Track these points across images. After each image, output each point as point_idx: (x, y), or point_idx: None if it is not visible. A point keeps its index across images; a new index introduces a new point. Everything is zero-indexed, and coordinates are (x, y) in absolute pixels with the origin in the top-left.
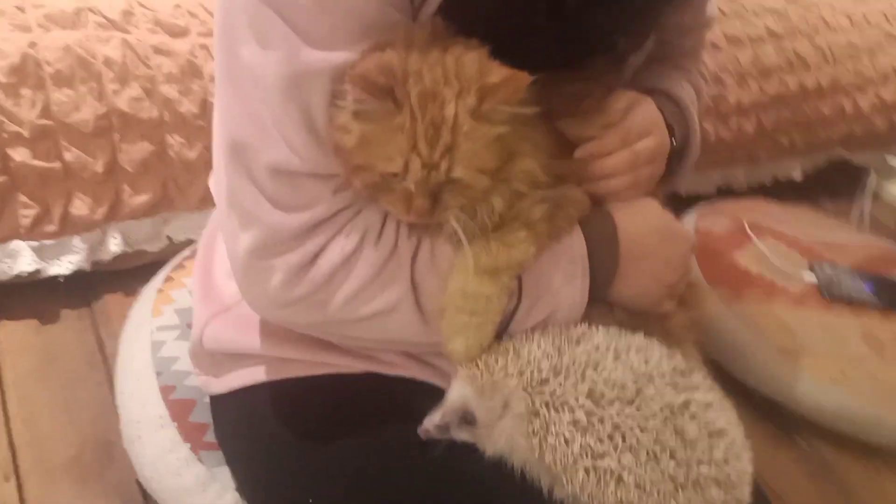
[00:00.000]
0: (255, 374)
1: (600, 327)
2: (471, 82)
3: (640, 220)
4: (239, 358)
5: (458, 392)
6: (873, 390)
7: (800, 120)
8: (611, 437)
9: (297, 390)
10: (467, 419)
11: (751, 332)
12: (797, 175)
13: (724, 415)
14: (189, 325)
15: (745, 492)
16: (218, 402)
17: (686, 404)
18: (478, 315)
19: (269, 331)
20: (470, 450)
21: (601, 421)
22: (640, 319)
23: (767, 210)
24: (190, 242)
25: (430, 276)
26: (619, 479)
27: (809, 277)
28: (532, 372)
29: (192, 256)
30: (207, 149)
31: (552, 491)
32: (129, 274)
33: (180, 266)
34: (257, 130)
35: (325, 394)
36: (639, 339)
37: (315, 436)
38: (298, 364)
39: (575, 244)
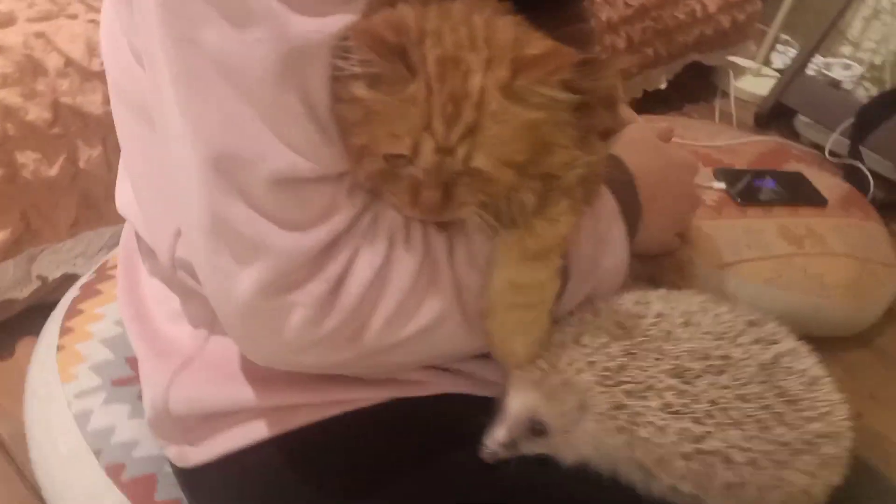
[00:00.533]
0: (250, 432)
1: (649, 291)
2: (504, 51)
3: (646, 154)
4: (222, 417)
5: (520, 401)
6: (806, 283)
7: (660, 28)
8: (710, 415)
9: (311, 440)
10: (537, 429)
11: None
12: (663, 84)
13: (809, 359)
14: (116, 383)
15: (850, 438)
16: (199, 473)
17: (777, 359)
18: (533, 308)
19: (258, 375)
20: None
21: (695, 399)
22: (652, 265)
23: (655, 123)
24: (70, 279)
25: (472, 274)
26: (728, 460)
27: (718, 184)
28: (602, 359)
29: (88, 296)
30: (71, 160)
31: (647, 487)
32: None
33: (75, 311)
34: (246, 136)
35: (347, 437)
36: (690, 296)
37: (348, 490)
38: (305, 409)
39: (606, 202)
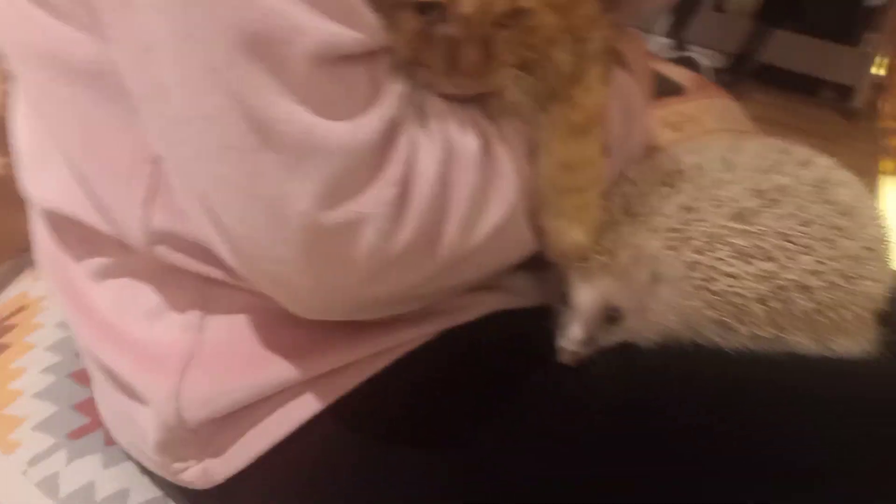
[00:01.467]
0: (291, 416)
1: (674, 148)
2: None
3: None
4: (251, 409)
5: (590, 291)
6: None
7: None
8: (780, 248)
9: (366, 403)
10: (612, 316)
11: None
12: None
13: (845, 171)
14: (73, 435)
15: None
16: (230, 489)
17: (825, 178)
18: (587, 190)
19: (286, 343)
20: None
21: (761, 237)
22: None
23: None
24: None
25: (523, 163)
26: (804, 288)
27: None
28: (662, 222)
29: None
30: None
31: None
32: None
33: None
34: (275, 11)
35: (407, 388)
36: (715, 143)
37: (427, 450)
38: (351, 369)
39: (619, 75)
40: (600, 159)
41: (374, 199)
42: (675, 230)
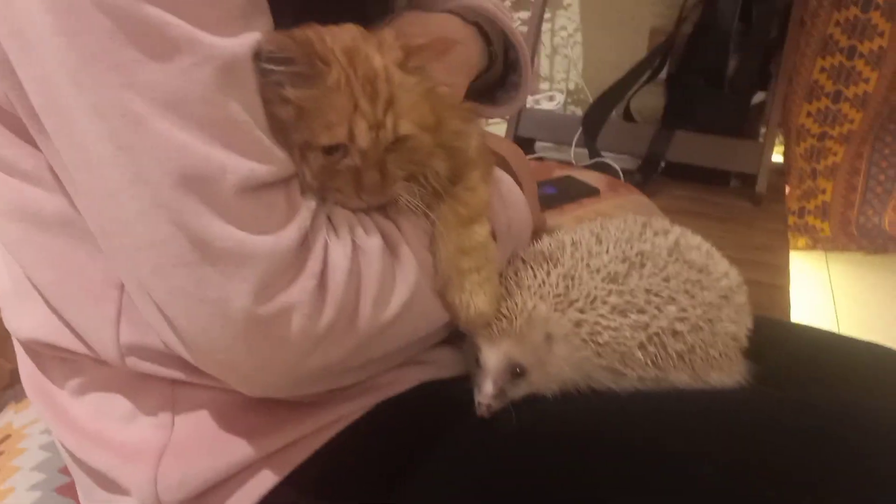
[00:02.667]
0: (256, 487)
1: (546, 235)
2: (390, 41)
3: (501, 142)
4: (221, 486)
5: (495, 352)
6: None
7: None
8: (648, 302)
9: (318, 469)
10: (517, 372)
11: None
12: None
13: (697, 237)
14: None
15: (746, 289)
16: None
17: (676, 241)
18: (483, 268)
19: (245, 427)
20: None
21: (632, 294)
22: None
23: None
24: None
25: (423, 251)
26: (674, 332)
27: None
28: (549, 290)
29: None
30: None
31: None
32: None
33: None
34: (203, 156)
35: (351, 454)
36: (589, 223)
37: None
38: (302, 443)
39: (499, 172)
40: (490, 243)
41: (299, 290)
42: (559, 295)
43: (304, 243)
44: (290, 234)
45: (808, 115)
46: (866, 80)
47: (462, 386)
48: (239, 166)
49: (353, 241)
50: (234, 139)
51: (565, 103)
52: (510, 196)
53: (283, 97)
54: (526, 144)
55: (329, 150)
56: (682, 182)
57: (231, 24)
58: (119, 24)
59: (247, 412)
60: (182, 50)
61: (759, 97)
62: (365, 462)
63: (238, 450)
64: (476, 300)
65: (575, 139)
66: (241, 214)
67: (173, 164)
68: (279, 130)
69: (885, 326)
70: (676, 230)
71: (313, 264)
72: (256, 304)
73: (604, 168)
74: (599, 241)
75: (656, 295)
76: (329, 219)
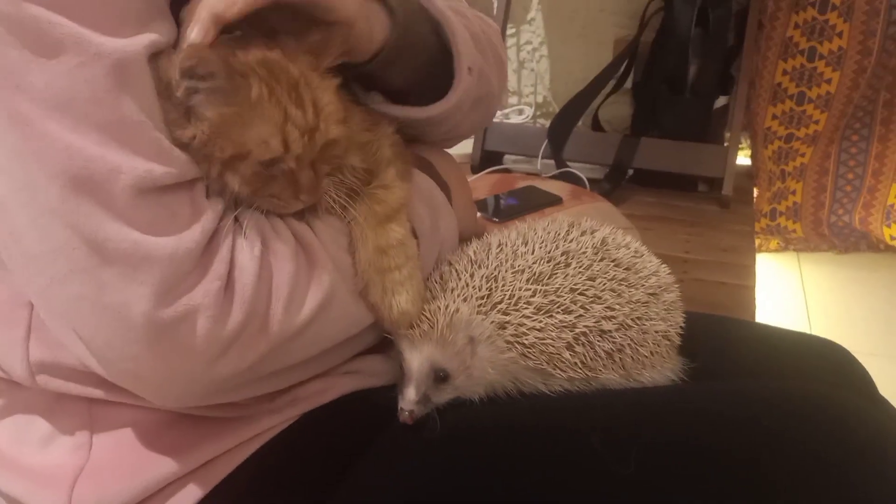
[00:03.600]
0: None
1: (475, 239)
2: (293, 51)
3: (433, 151)
4: None
5: (417, 356)
6: None
7: None
8: (574, 301)
9: (241, 485)
10: (441, 376)
11: None
12: None
13: (626, 237)
14: None
15: (677, 287)
16: None
17: (603, 240)
18: (404, 266)
19: (164, 444)
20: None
21: (557, 294)
22: None
23: None
24: None
25: (340, 252)
26: (602, 332)
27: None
28: (472, 293)
29: None
30: None
31: (547, 388)
32: None
33: None
34: (95, 157)
35: (274, 468)
36: (517, 225)
37: None
38: (223, 459)
39: (420, 177)
40: (410, 240)
41: (202, 293)
42: (482, 297)
43: (209, 245)
44: (192, 236)
45: (774, 117)
46: (828, 81)
47: (389, 393)
48: (135, 167)
49: (263, 243)
50: (128, 140)
51: (534, 116)
52: (433, 200)
53: (204, 116)
54: (494, 158)
55: (267, 163)
56: (650, 189)
57: (124, 26)
58: (3, 27)
59: (168, 429)
60: (69, 49)
61: (721, 101)
62: (291, 474)
63: (158, 468)
64: (399, 299)
65: (542, 151)
66: (139, 216)
67: (63, 166)
68: (188, 150)
69: (856, 322)
70: (605, 230)
71: (219, 266)
72: (158, 307)
73: (570, 178)
74: (525, 242)
75: (581, 294)
76: (238, 221)
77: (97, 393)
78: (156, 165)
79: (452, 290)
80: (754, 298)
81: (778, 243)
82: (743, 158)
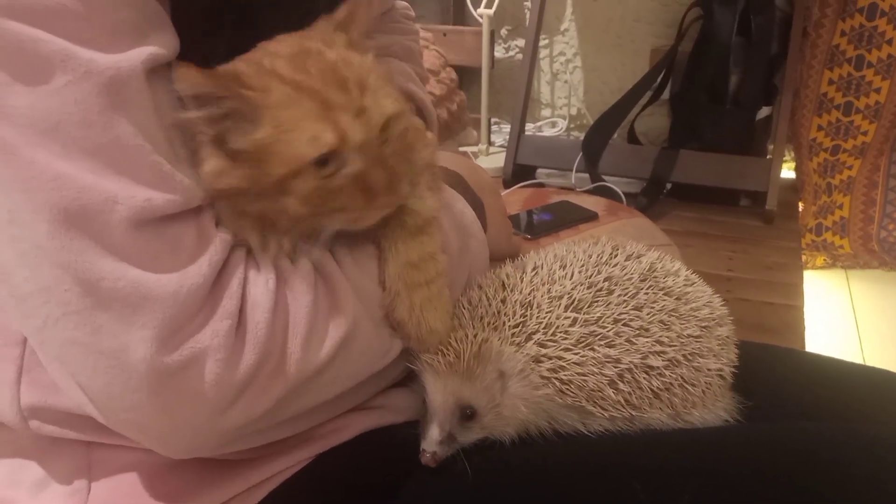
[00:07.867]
0: None
1: (508, 260)
2: (324, 29)
3: (464, 165)
4: None
5: (441, 391)
6: None
7: None
8: (618, 334)
9: None
10: (467, 414)
11: None
12: None
13: (677, 262)
14: None
15: (730, 320)
16: None
17: (651, 266)
18: (434, 282)
19: (168, 489)
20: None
21: (599, 324)
22: None
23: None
24: None
25: (363, 278)
26: (648, 368)
27: None
28: (503, 320)
29: None
30: None
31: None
32: None
33: None
34: (87, 186)
35: None
36: (554, 247)
37: None
38: (233, 503)
39: (450, 193)
40: (441, 255)
41: (210, 333)
42: (516, 326)
43: (218, 279)
44: (198, 270)
45: (819, 128)
46: (877, 90)
47: (412, 430)
48: (133, 196)
49: (278, 274)
50: (124, 166)
51: (568, 129)
52: (463, 217)
53: (232, 152)
54: (527, 171)
55: (320, 164)
56: (689, 203)
57: (118, 40)
58: None
59: (170, 473)
60: (55, 67)
61: (764, 112)
62: None
63: None
64: (427, 316)
65: (576, 164)
66: (138, 251)
67: (52, 198)
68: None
69: None
70: (652, 255)
71: (228, 302)
72: (161, 353)
73: (605, 192)
74: (563, 266)
75: (626, 325)
76: (249, 250)
77: (95, 437)
78: (156, 193)
79: (482, 318)
80: (803, 319)
81: (824, 260)
82: (787, 171)
